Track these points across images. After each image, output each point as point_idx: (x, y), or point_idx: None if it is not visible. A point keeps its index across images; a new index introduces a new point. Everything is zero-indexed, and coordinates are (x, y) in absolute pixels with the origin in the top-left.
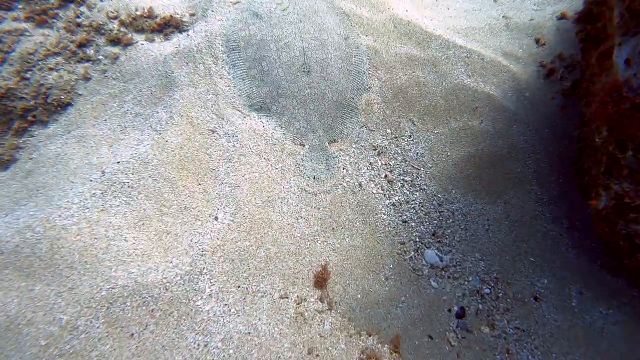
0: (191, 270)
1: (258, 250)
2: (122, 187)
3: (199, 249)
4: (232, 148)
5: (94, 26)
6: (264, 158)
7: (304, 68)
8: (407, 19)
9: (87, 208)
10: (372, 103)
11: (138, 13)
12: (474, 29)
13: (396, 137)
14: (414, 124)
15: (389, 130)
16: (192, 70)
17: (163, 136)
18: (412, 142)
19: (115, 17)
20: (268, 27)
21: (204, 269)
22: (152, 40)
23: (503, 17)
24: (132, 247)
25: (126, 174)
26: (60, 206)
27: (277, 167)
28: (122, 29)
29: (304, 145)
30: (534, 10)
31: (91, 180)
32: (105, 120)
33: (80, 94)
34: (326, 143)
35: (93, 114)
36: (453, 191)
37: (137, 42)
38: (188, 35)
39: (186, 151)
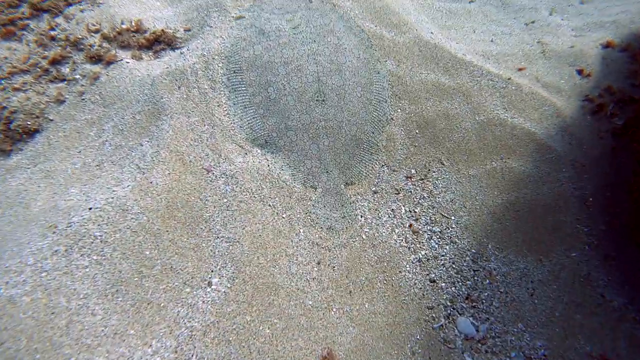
0: (176, 358)
1: (262, 327)
2: (92, 242)
3: (188, 328)
4: (231, 192)
5: (72, 40)
6: (269, 205)
7: (317, 96)
8: (433, 42)
9: (46, 271)
10: (395, 138)
11: (124, 26)
12: (506, 55)
13: (422, 179)
14: (443, 164)
15: (413, 171)
16: (184, 96)
17: (147, 176)
18: (440, 185)
19: (97, 31)
20: (276, 47)
21: (192, 356)
22: (140, 58)
23: (538, 42)
24: (101, 324)
25: (99, 224)
26: (8, 269)
27: (284, 216)
28: (104, 44)
29: (316, 189)
30: (572, 36)
31: (54, 232)
32: (80, 152)
33: (51, 120)
34: (342, 186)
35: (65, 144)
36: (490, 246)
37: (121, 59)
38: (181, 53)
39: (175, 195)
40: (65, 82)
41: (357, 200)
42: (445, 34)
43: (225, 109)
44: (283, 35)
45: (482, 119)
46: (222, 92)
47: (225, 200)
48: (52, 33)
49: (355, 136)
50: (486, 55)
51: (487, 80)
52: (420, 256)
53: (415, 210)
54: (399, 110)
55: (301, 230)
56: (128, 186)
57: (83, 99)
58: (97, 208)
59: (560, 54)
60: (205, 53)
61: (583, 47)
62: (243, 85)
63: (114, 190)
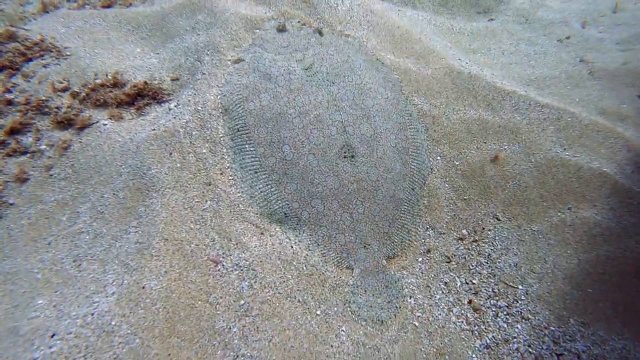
0: None
1: None
2: None
3: None
4: (249, 291)
5: (34, 104)
6: (299, 301)
7: (345, 151)
8: (466, 72)
9: None
10: (438, 193)
11: (98, 81)
12: (547, 79)
13: (476, 241)
14: (499, 220)
15: (465, 231)
16: (178, 165)
17: (137, 279)
18: (499, 246)
19: (65, 89)
20: (287, 95)
21: None
22: (120, 118)
23: (581, 61)
24: None
25: (74, 358)
26: None
27: (318, 312)
28: (75, 104)
29: (352, 270)
30: (619, 50)
31: None
32: (50, 244)
33: (11, 204)
34: (383, 261)
35: (31, 235)
36: (572, 320)
37: (97, 122)
38: (170, 109)
39: (175, 302)
40: (28, 155)
41: (402, 277)
42: (474, 60)
43: (230, 177)
44: (294, 78)
45: (538, 160)
46: (225, 156)
47: (242, 302)
48: (8, 96)
49: (394, 197)
50: (525, 81)
51: (536, 113)
52: (488, 341)
53: (473, 281)
54: (439, 158)
55: (342, 329)
56: (113, 294)
57: (51, 175)
58: (71, 332)
59: (614, 74)
60: (199, 108)
61: (639, 63)
62: (251, 145)
63: (94, 302)
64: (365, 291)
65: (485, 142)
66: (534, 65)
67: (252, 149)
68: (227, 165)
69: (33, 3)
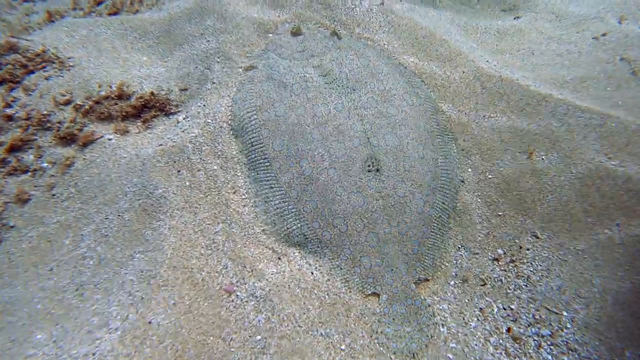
0: None
1: None
2: None
3: None
4: (266, 324)
5: (35, 119)
6: (321, 334)
7: (369, 165)
8: (497, 74)
9: None
10: (470, 209)
11: (103, 93)
12: (584, 80)
13: (513, 262)
14: (538, 237)
15: (500, 251)
16: (187, 183)
17: (144, 312)
18: (540, 267)
19: (68, 102)
20: (305, 104)
21: None
22: (125, 132)
23: (622, 60)
24: None
25: None
26: None
27: (343, 347)
28: (78, 118)
29: (379, 296)
30: None
31: None
32: (52, 270)
33: (11, 227)
34: (412, 285)
35: (32, 260)
36: (628, 353)
37: (101, 136)
38: (178, 122)
39: (185, 339)
40: (30, 174)
41: (433, 303)
42: (502, 61)
43: (244, 195)
44: (311, 86)
45: (580, 172)
46: (237, 173)
47: (259, 337)
48: (9, 112)
49: (423, 213)
50: (560, 83)
51: (575, 118)
52: None
53: (511, 306)
54: (470, 170)
55: None
56: (117, 330)
57: (54, 195)
58: None
59: None
60: (209, 120)
61: None
62: (266, 160)
63: (96, 338)
64: (394, 319)
65: (520, 152)
66: (568, 66)
67: (266, 163)
68: (241, 182)
69: (39, 12)
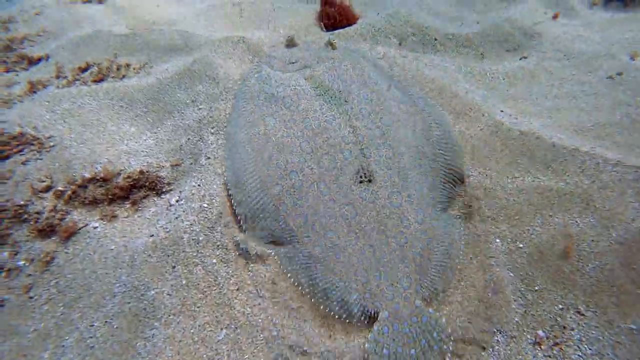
0: None
1: None
2: None
3: None
4: None
5: (10, 211)
6: None
7: (361, 176)
8: (516, 128)
9: None
10: (502, 285)
11: (86, 176)
12: (606, 126)
13: (557, 344)
14: (582, 314)
15: (541, 332)
16: (183, 281)
17: None
18: (588, 351)
19: (48, 188)
20: (295, 116)
21: None
22: (113, 217)
23: None
24: None
25: None
26: None
27: None
28: (59, 206)
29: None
30: None
31: None
32: None
33: None
34: (417, 302)
35: None
36: None
37: (86, 225)
38: (171, 205)
39: None
40: (3, 275)
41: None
42: (517, 109)
43: (250, 293)
44: (303, 98)
45: (621, 234)
46: (240, 265)
47: None
48: None
49: (423, 224)
50: (581, 130)
51: (607, 174)
52: None
53: None
54: (498, 241)
55: None
56: None
57: (31, 298)
58: None
59: None
60: (205, 205)
61: None
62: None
63: None
64: (394, 340)
65: (552, 216)
66: (586, 110)
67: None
68: (246, 278)
69: (21, 83)
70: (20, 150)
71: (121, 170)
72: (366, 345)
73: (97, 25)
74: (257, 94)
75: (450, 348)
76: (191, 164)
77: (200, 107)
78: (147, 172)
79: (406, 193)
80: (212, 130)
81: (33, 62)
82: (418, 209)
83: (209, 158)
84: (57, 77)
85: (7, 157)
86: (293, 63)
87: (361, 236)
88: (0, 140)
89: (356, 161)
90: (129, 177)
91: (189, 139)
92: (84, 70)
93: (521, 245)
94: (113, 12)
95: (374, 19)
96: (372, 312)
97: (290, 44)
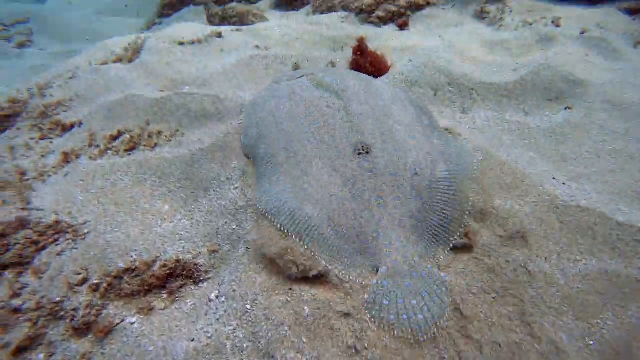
0: None
1: None
2: None
3: None
4: None
5: (46, 309)
6: None
7: (359, 149)
8: (574, 203)
9: None
10: None
11: (121, 266)
12: None
13: None
14: None
15: None
16: None
17: None
18: None
19: (84, 281)
20: (297, 104)
21: None
22: (150, 311)
23: None
24: None
25: None
26: None
27: None
28: (95, 300)
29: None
30: None
31: None
32: None
33: None
34: (416, 258)
35: None
36: None
37: (122, 321)
38: (210, 301)
39: None
40: None
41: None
42: (569, 174)
43: None
44: (305, 89)
45: None
46: None
47: None
48: (16, 302)
49: (420, 187)
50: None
51: None
52: None
53: None
54: (563, 336)
55: None
56: None
57: None
58: None
59: None
60: (248, 306)
61: None
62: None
63: None
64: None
65: (625, 308)
66: None
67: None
68: None
69: (55, 152)
70: (56, 240)
71: (157, 257)
72: (365, 296)
73: (127, 88)
74: (267, 99)
75: (449, 299)
76: (229, 250)
77: (235, 185)
78: (183, 260)
79: (403, 161)
80: (250, 214)
81: (67, 128)
82: (413, 174)
83: (248, 249)
84: (90, 145)
85: (44, 248)
86: (298, 76)
87: (360, 203)
88: (37, 230)
89: (354, 136)
90: (165, 265)
91: (225, 222)
92: (115, 138)
93: (591, 342)
94: (143, 72)
95: (406, 68)
96: (374, 269)
97: (296, 67)
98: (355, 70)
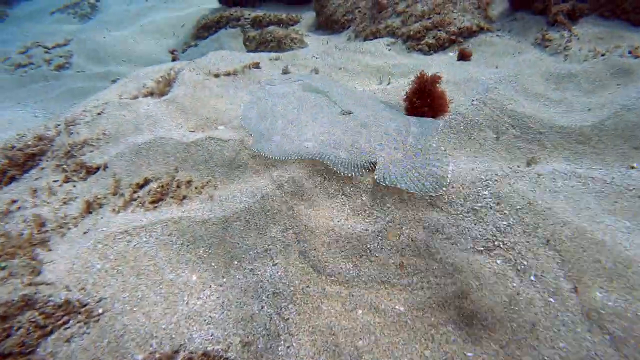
0: None
1: None
2: None
3: None
4: None
5: None
6: None
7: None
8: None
9: None
10: None
11: (139, 358)
12: None
13: None
14: None
15: None
16: None
17: None
18: None
19: None
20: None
21: None
22: None
23: None
24: None
25: None
26: None
27: None
28: None
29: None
30: None
31: None
32: None
33: None
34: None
35: None
36: None
37: None
38: None
39: None
40: None
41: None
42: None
43: None
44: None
45: None
46: None
47: None
48: None
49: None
50: None
51: None
52: None
53: None
54: None
55: None
56: None
57: None
58: None
59: None
60: None
61: None
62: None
63: None
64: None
65: None
66: None
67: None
68: None
69: (78, 199)
70: (65, 323)
71: (181, 346)
72: (375, 176)
73: (157, 127)
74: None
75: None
76: (266, 346)
77: (275, 261)
78: (211, 353)
79: (379, 114)
80: (296, 302)
81: (91, 171)
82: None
83: (288, 347)
84: (114, 193)
85: (51, 333)
86: (287, 79)
87: (351, 132)
88: (43, 311)
89: (338, 108)
90: (189, 359)
91: (262, 307)
92: (141, 186)
93: None
94: (174, 108)
95: (464, 106)
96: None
97: (285, 71)
98: (410, 108)
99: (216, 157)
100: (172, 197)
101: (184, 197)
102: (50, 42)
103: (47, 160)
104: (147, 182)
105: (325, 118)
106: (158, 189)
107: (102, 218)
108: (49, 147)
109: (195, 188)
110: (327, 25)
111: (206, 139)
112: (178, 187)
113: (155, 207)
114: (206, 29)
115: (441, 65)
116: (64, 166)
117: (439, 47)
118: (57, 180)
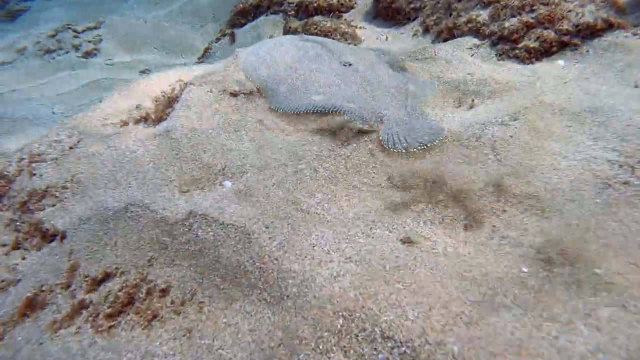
0: None
1: None
2: None
3: None
4: None
5: None
6: None
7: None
8: None
9: None
10: None
11: None
12: None
13: None
14: None
15: None
16: None
17: None
18: None
19: None
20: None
21: None
22: None
23: None
24: None
25: None
26: None
27: None
28: None
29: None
30: None
31: None
32: None
33: None
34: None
35: None
36: None
37: None
38: None
39: None
40: None
41: None
42: None
43: None
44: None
45: None
46: None
47: None
48: None
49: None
50: None
51: None
52: None
53: None
54: None
55: None
56: None
57: None
58: None
59: None
60: None
61: None
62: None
63: None
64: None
65: None
66: None
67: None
68: None
69: (21, 282)
70: None
71: None
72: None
73: (137, 180)
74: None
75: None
76: None
77: None
78: None
79: (377, 66)
80: None
81: (47, 238)
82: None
83: None
84: (66, 286)
85: None
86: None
87: (352, 84)
88: None
89: (338, 58)
90: None
91: None
92: (99, 282)
93: None
94: (167, 148)
95: (598, 168)
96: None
97: None
98: None
99: (209, 255)
100: (136, 313)
101: (154, 318)
102: (81, 25)
103: (1, 209)
104: (107, 276)
105: (328, 66)
106: (121, 293)
107: (33, 341)
108: (6, 190)
109: (172, 303)
110: (387, 14)
111: (197, 220)
112: (148, 294)
113: (111, 326)
114: (243, 15)
115: (547, 81)
116: (18, 224)
117: (544, 52)
118: (6, 245)
